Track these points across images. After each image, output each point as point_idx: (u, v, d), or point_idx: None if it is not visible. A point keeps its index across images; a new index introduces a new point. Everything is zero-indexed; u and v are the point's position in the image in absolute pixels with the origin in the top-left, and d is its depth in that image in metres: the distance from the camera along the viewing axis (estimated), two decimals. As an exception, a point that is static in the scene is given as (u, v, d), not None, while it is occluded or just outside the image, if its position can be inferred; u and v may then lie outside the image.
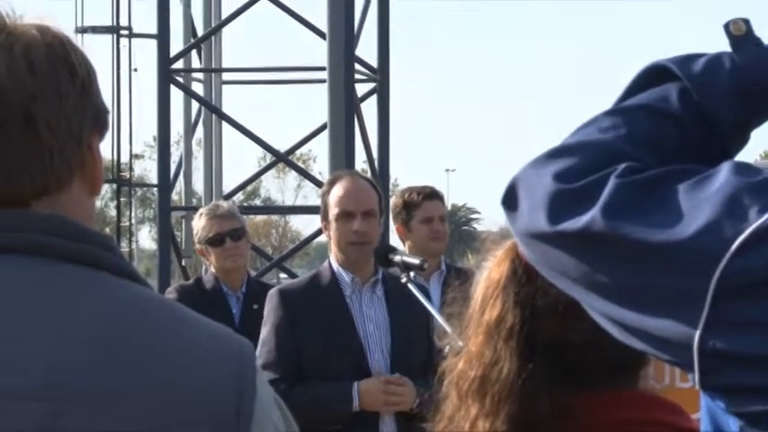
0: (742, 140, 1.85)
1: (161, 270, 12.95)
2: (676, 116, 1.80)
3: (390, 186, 13.21)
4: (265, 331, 5.49)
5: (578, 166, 1.75)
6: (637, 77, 1.85)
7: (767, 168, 1.71)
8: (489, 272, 2.36)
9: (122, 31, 17.35)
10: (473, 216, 69.19)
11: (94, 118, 1.78)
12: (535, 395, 2.26)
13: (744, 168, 1.69)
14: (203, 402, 1.68)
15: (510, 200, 1.79)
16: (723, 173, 1.68)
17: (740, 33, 1.82)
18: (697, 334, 1.63)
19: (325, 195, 5.66)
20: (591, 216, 1.69)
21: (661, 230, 1.66)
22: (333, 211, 5.55)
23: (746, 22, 1.82)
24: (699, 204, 1.65)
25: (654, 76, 1.84)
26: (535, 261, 1.82)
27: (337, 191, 5.60)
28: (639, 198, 1.69)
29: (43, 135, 1.72)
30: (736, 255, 1.61)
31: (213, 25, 13.62)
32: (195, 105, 14.07)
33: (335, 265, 5.58)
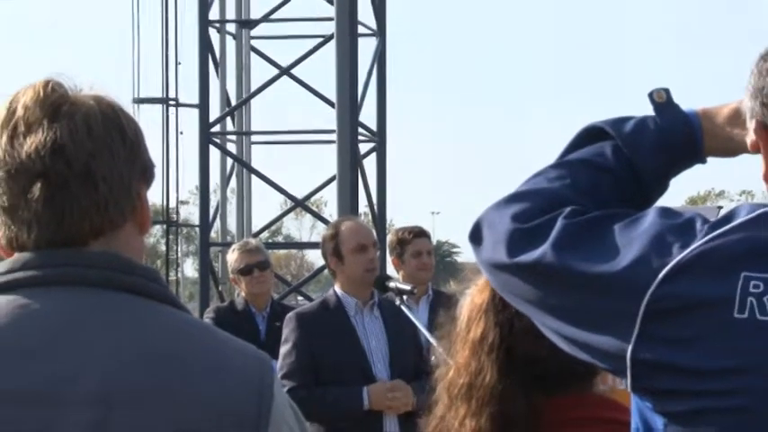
0: (663, 188, 1.85)
1: (202, 294, 12.93)
2: (611, 168, 1.80)
3: (386, 226, 13.19)
4: (286, 348, 5.49)
5: (531, 209, 1.74)
6: (577, 136, 1.85)
7: (687, 212, 1.71)
8: (473, 298, 2.37)
9: (171, 102, 17.29)
10: (454, 250, 68.96)
11: (142, 171, 1.77)
12: (513, 398, 2.26)
13: (667, 212, 1.69)
14: (231, 406, 1.66)
15: (475, 236, 1.78)
16: (650, 216, 1.68)
17: (662, 101, 1.82)
18: (629, 347, 1.62)
19: (333, 237, 5.62)
20: (542, 250, 1.69)
21: (600, 263, 1.65)
22: (349, 246, 5.55)
23: (667, 91, 1.83)
24: (631, 241, 1.65)
25: (591, 135, 1.84)
26: (497, 286, 1.81)
27: (348, 230, 5.62)
28: (582, 236, 1.69)
29: (100, 186, 1.71)
30: (662, 283, 1.60)
31: (244, 96, 13.62)
32: (229, 161, 14.05)
33: (340, 292, 5.60)
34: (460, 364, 2.33)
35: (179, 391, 1.65)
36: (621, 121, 1.82)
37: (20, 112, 1.71)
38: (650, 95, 1.82)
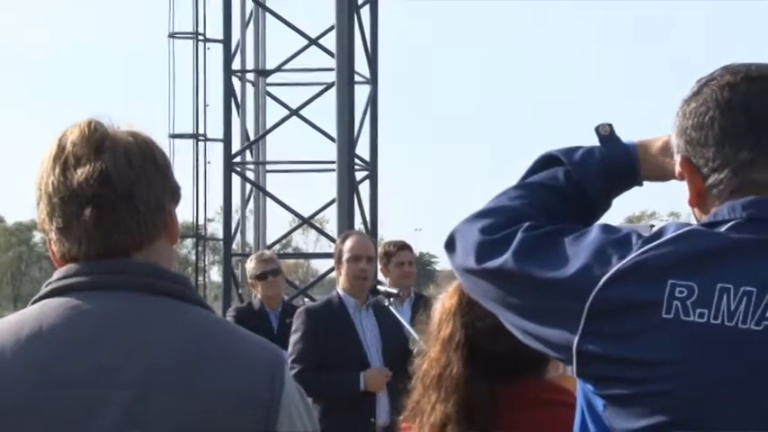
0: (606, 207, 1.85)
1: (225, 296, 12.96)
2: (563, 189, 1.80)
3: (378, 240, 13.19)
4: (296, 336, 5.56)
5: (496, 223, 1.74)
6: (535, 162, 1.86)
7: (625, 228, 1.71)
8: (443, 302, 2.39)
9: (200, 137, 17.25)
10: (433, 260, 68.91)
11: (171, 193, 1.77)
12: (475, 388, 2.27)
13: (609, 228, 1.69)
14: (248, 391, 1.65)
15: (450, 245, 1.79)
16: (594, 231, 1.68)
17: (606, 134, 1.83)
18: (575, 340, 1.62)
19: (339, 245, 5.76)
20: (505, 258, 1.69)
21: (552, 270, 1.65)
22: (346, 255, 5.66)
23: (611, 125, 1.84)
24: (577, 252, 1.65)
25: (547, 161, 1.84)
26: (467, 288, 1.81)
27: (350, 242, 5.75)
28: (538, 247, 1.69)
29: (140, 208, 1.70)
30: (603, 287, 1.60)
31: (260, 133, 13.62)
32: (248, 186, 14.05)
33: (342, 293, 5.70)
34: (432, 359, 2.34)
35: (205, 379, 1.64)
36: (572, 150, 1.83)
37: (69, 147, 1.71)
38: (596, 129, 1.83)
